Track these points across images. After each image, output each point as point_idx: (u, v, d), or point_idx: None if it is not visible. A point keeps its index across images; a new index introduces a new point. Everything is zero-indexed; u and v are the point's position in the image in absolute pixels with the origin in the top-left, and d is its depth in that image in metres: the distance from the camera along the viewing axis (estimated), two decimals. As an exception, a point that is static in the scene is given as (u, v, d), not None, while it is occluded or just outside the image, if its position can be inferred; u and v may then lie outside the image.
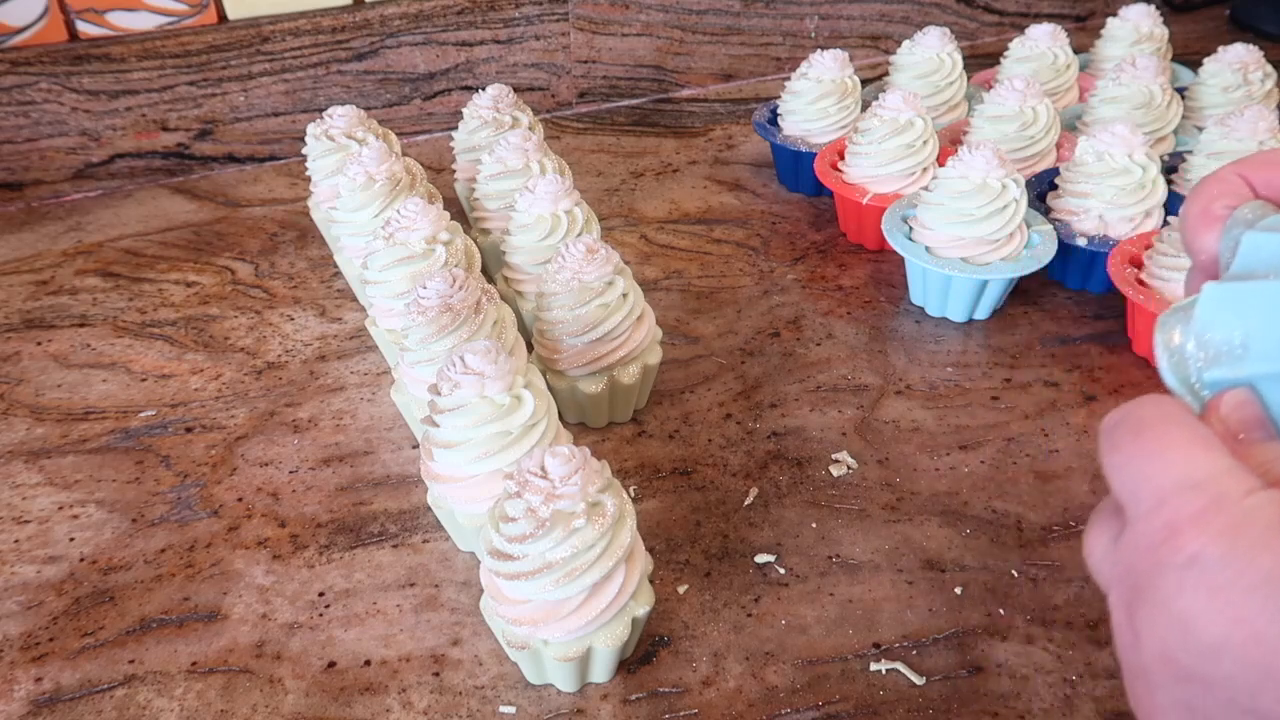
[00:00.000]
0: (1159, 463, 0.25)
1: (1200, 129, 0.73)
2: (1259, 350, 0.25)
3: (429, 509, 0.50)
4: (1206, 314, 0.25)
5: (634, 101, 0.94)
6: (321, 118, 0.66)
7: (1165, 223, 0.60)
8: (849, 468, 0.52)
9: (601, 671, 0.41)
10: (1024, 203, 0.60)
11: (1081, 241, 0.62)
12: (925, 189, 0.62)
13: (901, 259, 0.69)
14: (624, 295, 0.52)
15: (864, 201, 0.67)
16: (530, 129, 0.68)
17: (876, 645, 0.43)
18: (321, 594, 0.46)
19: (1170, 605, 0.23)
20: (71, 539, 0.50)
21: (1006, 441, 0.53)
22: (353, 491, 0.52)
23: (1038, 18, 1.05)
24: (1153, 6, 0.84)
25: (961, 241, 0.59)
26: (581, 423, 0.56)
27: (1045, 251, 0.60)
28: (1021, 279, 0.66)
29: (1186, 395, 0.26)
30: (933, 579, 0.46)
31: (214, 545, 0.49)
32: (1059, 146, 0.70)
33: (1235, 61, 0.74)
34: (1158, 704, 0.24)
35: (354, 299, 0.67)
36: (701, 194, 0.78)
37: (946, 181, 0.60)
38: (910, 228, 0.63)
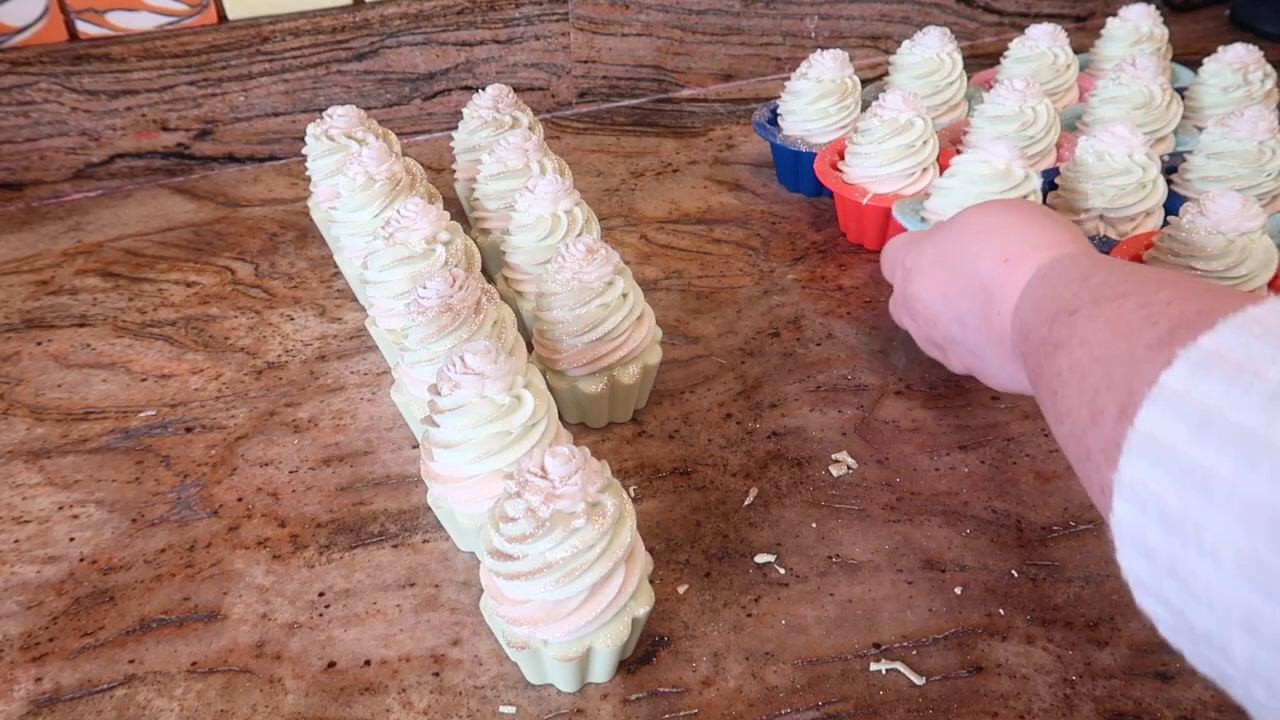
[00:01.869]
0: (889, 248, 0.56)
1: (1200, 129, 0.73)
2: None
3: (429, 509, 0.50)
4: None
5: (634, 101, 0.94)
6: (321, 118, 0.66)
7: (1165, 223, 0.60)
8: (849, 468, 0.52)
9: (601, 671, 0.41)
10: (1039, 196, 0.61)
11: (1081, 241, 0.62)
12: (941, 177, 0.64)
13: (901, 259, 0.69)
14: (624, 295, 0.52)
15: (864, 201, 0.67)
16: (530, 129, 0.68)
17: (876, 645, 0.43)
18: (321, 594, 0.46)
19: (915, 296, 0.50)
20: (71, 539, 0.50)
21: (1006, 441, 0.53)
22: (353, 491, 0.52)
23: (1038, 18, 1.05)
24: (1153, 6, 0.84)
25: None
26: (581, 423, 0.56)
27: None
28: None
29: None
30: (933, 579, 0.46)
31: (214, 545, 0.49)
32: (1059, 146, 0.70)
33: (1235, 61, 0.74)
34: (941, 352, 0.51)
35: (354, 299, 0.67)
36: (701, 194, 0.78)
37: (968, 166, 0.61)
38: (924, 220, 0.63)
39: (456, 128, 0.70)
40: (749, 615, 0.44)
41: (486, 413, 0.42)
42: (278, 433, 0.56)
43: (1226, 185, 0.63)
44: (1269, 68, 0.75)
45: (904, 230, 0.61)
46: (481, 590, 0.41)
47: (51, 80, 0.76)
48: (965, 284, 0.45)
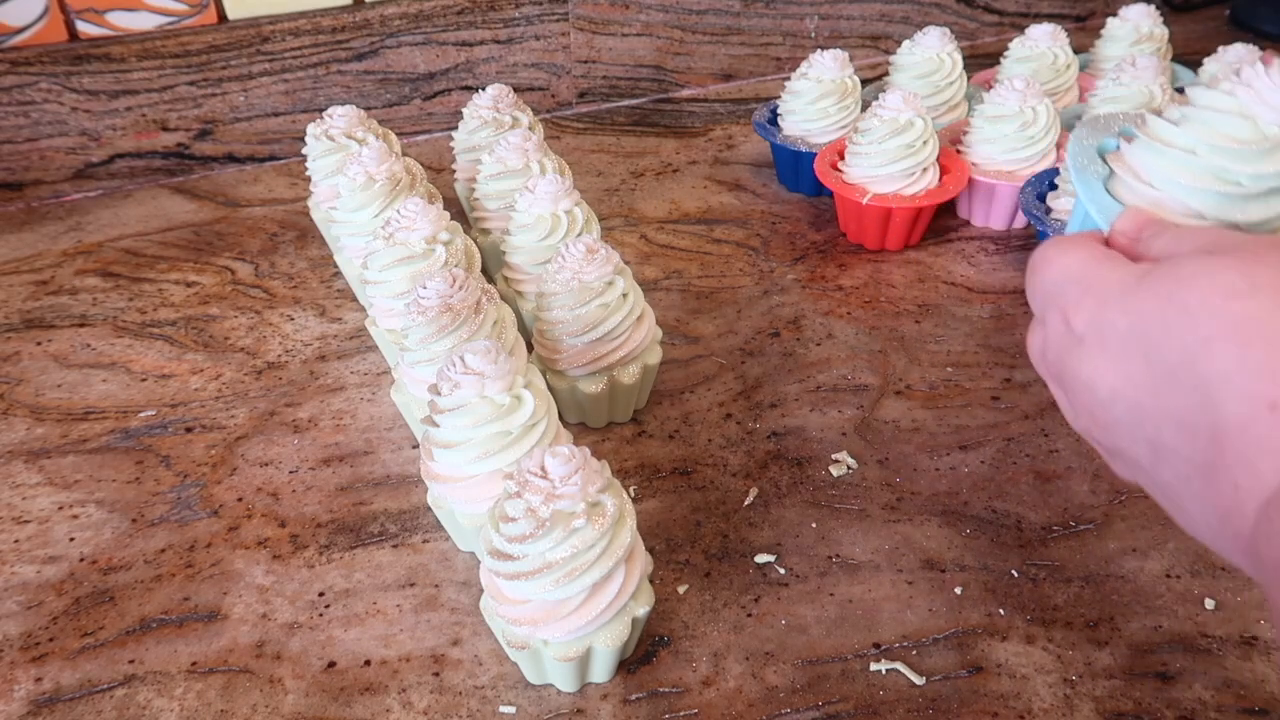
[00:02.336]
0: (1049, 273, 0.32)
1: (1200, 129, 0.73)
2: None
3: (429, 509, 0.50)
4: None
5: (634, 101, 0.94)
6: (321, 118, 0.66)
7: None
8: (849, 468, 0.52)
9: (601, 671, 0.41)
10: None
11: (1081, 241, 0.62)
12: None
13: (902, 259, 0.69)
14: (624, 295, 0.52)
15: (864, 201, 0.67)
16: (530, 129, 0.68)
17: (876, 645, 0.43)
18: (321, 594, 0.46)
19: (1078, 377, 0.30)
20: (71, 539, 0.50)
21: (1006, 441, 0.53)
22: (353, 491, 0.52)
23: (1038, 18, 1.05)
24: (1153, 6, 0.84)
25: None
26: (581, 423, 0.56)
27: None
28: (1022, 280, 0.67)
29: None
30: (933, 579, 0.46)
31: (214, 545, 0.49)
32: (1059, 146, 0.70)
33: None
34: (1104, 452, 0.32)
35: (354, 299, 0.67)
36: (701, 194, 0.78)
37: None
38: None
39: (456, 128, 0.70)
40: (749, 615, 0.44)
41: (486, 413, 0.42)
42: (278, 433, 0.56)
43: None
44: (1269, 68, 0.75)
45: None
46: (481, 590, 0.41)
47: (51, 80, 0.76)
48: (1180, 406, 0.27)
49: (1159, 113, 0.36)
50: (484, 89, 0.69)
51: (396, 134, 0.70)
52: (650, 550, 0.46)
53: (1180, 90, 0.76)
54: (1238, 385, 0.25)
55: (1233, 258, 0.27)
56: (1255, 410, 0.25)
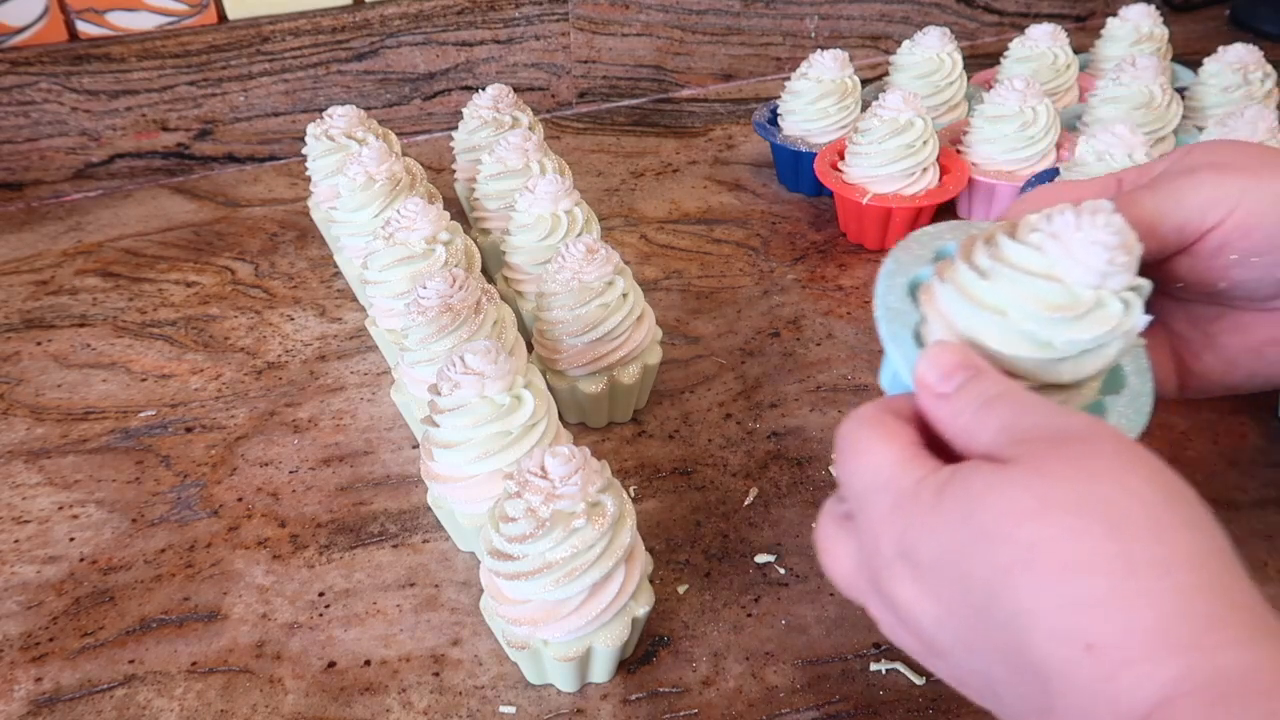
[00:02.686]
0: (857, 475, 0.29)
1: (1200, 129, 0.73)
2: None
3: (429, 509, 0.50)
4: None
5: (634, 101, 0.94)
6: (321, 118, 0.66)
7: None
8: (849, 468, 0.52)
9: (601, 671, 0.41)
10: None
11: (1081, 241, 0.62)
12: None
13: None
14: (624, 295, 0.52)
15: (864, 201, 0.67)
16: (530, 129, 0.68)
17: (876, 645, 0.43)
18: (321, 594, 0.46)
19: (896, 602, 0.27)
20: (71, 539, 0.50)
21: (1006, 441, 0.53)
22: (353, 491, 0.52)
23: (1038, 18, 1.05)
24: (1153, 6, 0.84)
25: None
26: (581, 423, 0.56)
27: None
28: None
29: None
30: (933, 579, 0.46)
31: (214, 545, 0.49)
32: (1059, 146, 0.70)
33: (1235, 61, 0.74)
34: (945, 679, 0.28)
35: (354, 299, 0.67)
36: (701, 194, 0.78)
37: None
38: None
39: (456, 128, 0.70)
40: (749, 615, 0.44)
41: (486, 413, 0.42)
42: (278, 433, 0.56)
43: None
44: (1269, 68, 0.75)
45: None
46: (481, 590, 0.41)
47: (51, 80, 0.76)
48: (1000, 643, 0.24)
49: (969, 254, 0.32)
50: (484, 89, 0.69)
51: (396, 134, 0.70)
52: (650, 550, 0.46)
53: (1181, 91, 0.76)
54: (1046, 624, 0.23)
55: (1021, 469, 0.25)
56: (1072, 653, 0.22)
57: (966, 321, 0.30)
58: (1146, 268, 0.32)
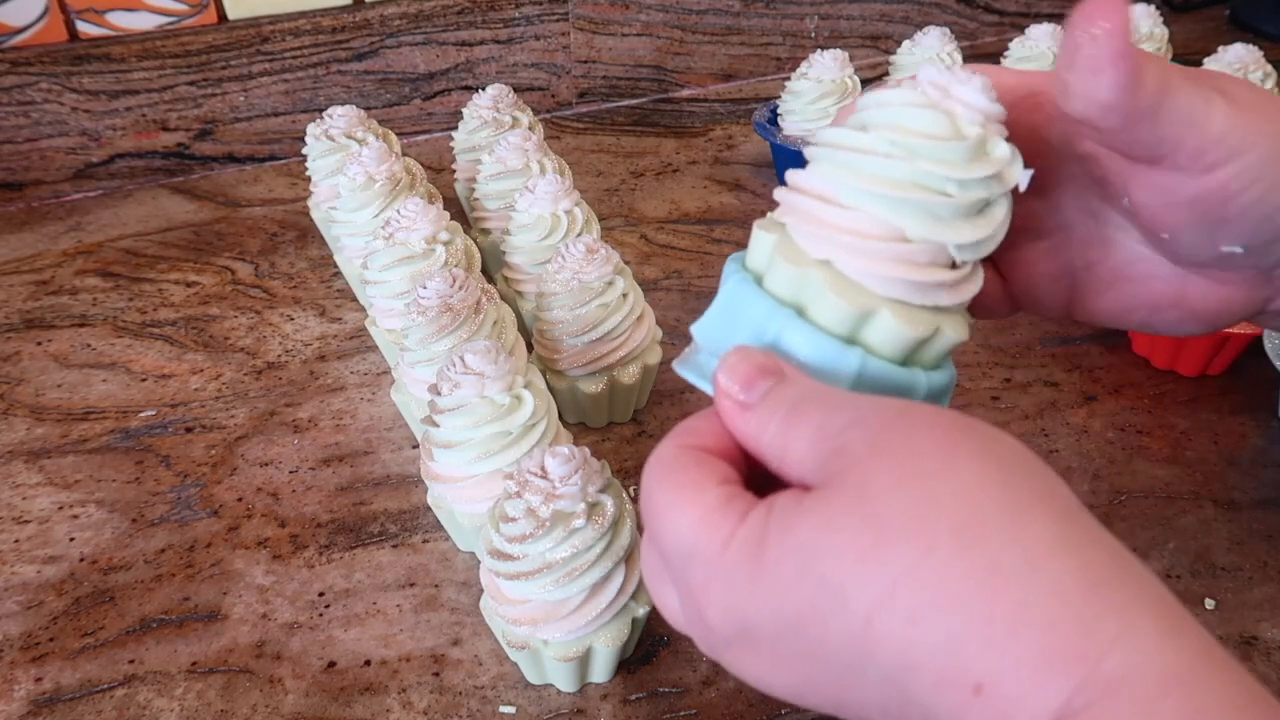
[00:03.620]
0: (664, 538, 0.25)
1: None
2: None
3: (429, 509, 0.50)
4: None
5: (634, 101, 0.94)
6: (321, 118, 0.67)
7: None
8: (849, 468, 0.52)
9: (601, 671, 0.41)
10: None
11: (1081, 241, 0.62)
12: None
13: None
14: (624, 295, 0.52)
15: (864, 201, 0.66)
16: (530, 129, 0.68)
17: (876, 645, 0.43)
18: (321, 594, 0.46)
19: (744, 674, 0.25)
20: (71, 539, 0.50)
21: (1006, 441, 0.53)
22: (353, 491, 0.52)
23: (1038, 18, 1.05)
24: (1153, 6, 0.84)
25: None
26: (581, 423, 0.56)
27: None
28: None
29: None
30: (933, 579, 0.46)
31: (214, 545, 0.49)
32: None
33: (1235, 61, 0.74)
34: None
35: (354, 299, 0.67)
36: (701, 194, 0.78)
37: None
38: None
39: (456, 128, 0.70)
40: (749, 615, 0.44)
41: (486, 413, 0.42)
42: (278, 433, 0.56)
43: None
44: (1269, 68, 0.75)
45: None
46: (481, 590, 0.41)
47: (51, 80, 0.76)
48: (880, 700, 0.22)
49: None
50: (484, 89, 0.69)
51: (396, 134, 0.70)
52: (650, 550, 0.46)
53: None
54: (928, 674, 0.20)
55: (845, 494, 0.22)
56: (961, 698, 0.20)
57: (848, 183, 0.26)
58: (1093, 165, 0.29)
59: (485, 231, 0.65)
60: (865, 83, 0.78)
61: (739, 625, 0.23)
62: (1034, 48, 0.79)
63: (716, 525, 0.24)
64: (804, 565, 0.22)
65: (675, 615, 0.26)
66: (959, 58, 0.78)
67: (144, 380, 0.60)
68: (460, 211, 0.74)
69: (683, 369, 0.31)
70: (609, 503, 0.38)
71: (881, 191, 0.26)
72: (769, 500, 0.24)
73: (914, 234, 0.26)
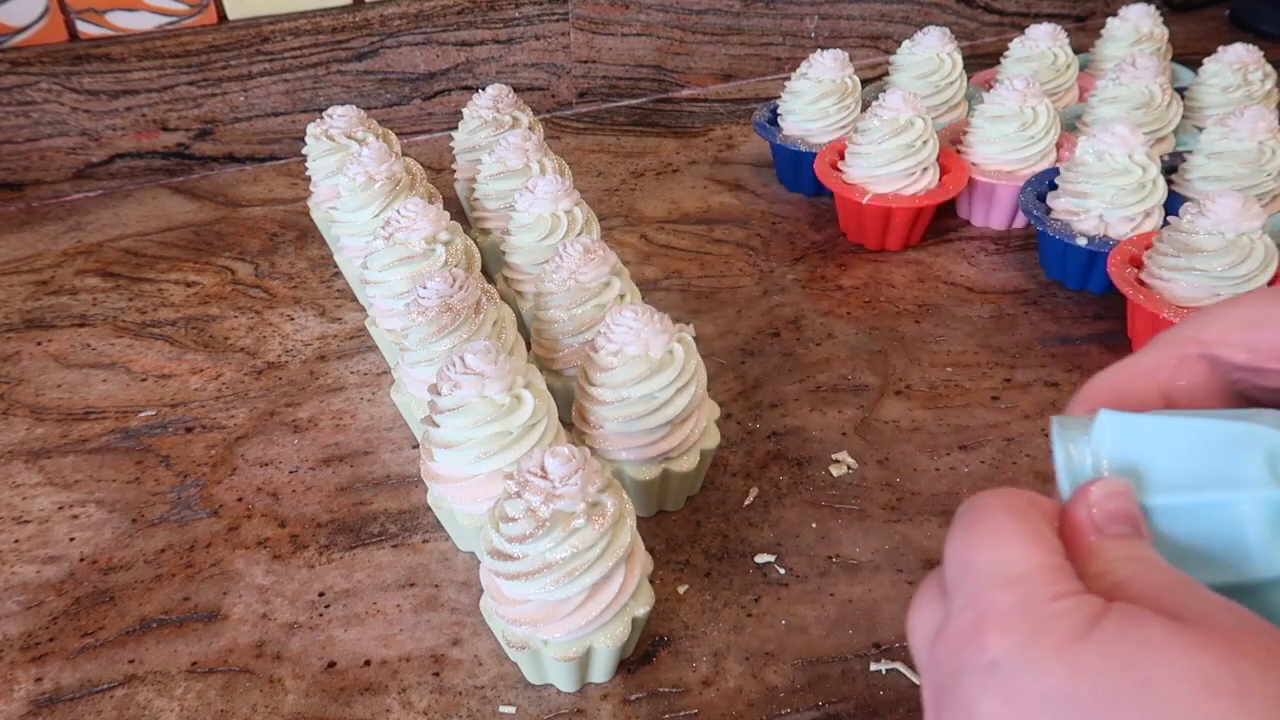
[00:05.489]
0: (981, 555, 0.24)
1: (1200, 129, 0.73)
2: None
3: (429, 509, 0.50)
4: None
5: (634, 101, 0.94)
6: (321, 118, 0.66)
7: (1165, 223, 0.60)
8: (849, 468, 0.52)
9: (601, 671, 0.41)
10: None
11: (1081, 241, 0.62)
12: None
13: (902, 259, 0.69)
14: (621, 296, 0.52)
15: (864, 201, 0.67)
16: (530, 129, 0.68)
17: (876, 645, 0.43)
18: (321, 594, 0.46)
19: (971, 709, 0.23)
20: (71, 539, 0.50)
21: (1006, 441, 0.53)
22: (353, 491, 0.52)
23: (1038, 18, 1.05)
24: (1153, 6, 0.84)
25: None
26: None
27: None
28: (1022, 280, 0.67)
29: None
30: (933, 579, 0.46)
31: (214, 545, 0.49)
32: (1059, 146, 0.70)
33: (1235, 61, 0.74)
34: None
35: (354, 299, 0.67)
36: (701, 194, 0.78)
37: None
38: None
39: (456, 128, 0.70)
40: (749, 615, 0.44)
41: (486, 413, 0.42)
42: (278, 433, 0.56)
43: (1226, 185, 0.63)
44: (1269, 68, 0.75)
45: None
46: (481, 590, 0.41)
47: (51, 80, 0.76)
48: None
49: None
50: (484, 89, 0.69)
51: (396, 134, 0.70)
52: (650, 550, 0.46)
53: (1181, 91, 0.76)
54: None
55: (1208, 635, 0.21)
56: None
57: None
58: None
59: (485, 231, 0.65)
60: (865, 82, 0.78)
61: (1019, 664, 0.22)
62: (1034, 48, 0.79)
63: (1056, 578, 0.23)
64: (1136, 661, 0.21)
65: (923, 633, 0.25)
66: (959, 58, 0.78)
67: (144, 380, 0.60)
68: (460, 211, 0.74)
69: (1059, 440, 0.27)
70: (609, 503, 0.38)
71: None
72: (1108, 600, 0.23)
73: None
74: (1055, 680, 0.21)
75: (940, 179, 0.68)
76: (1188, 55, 0.88)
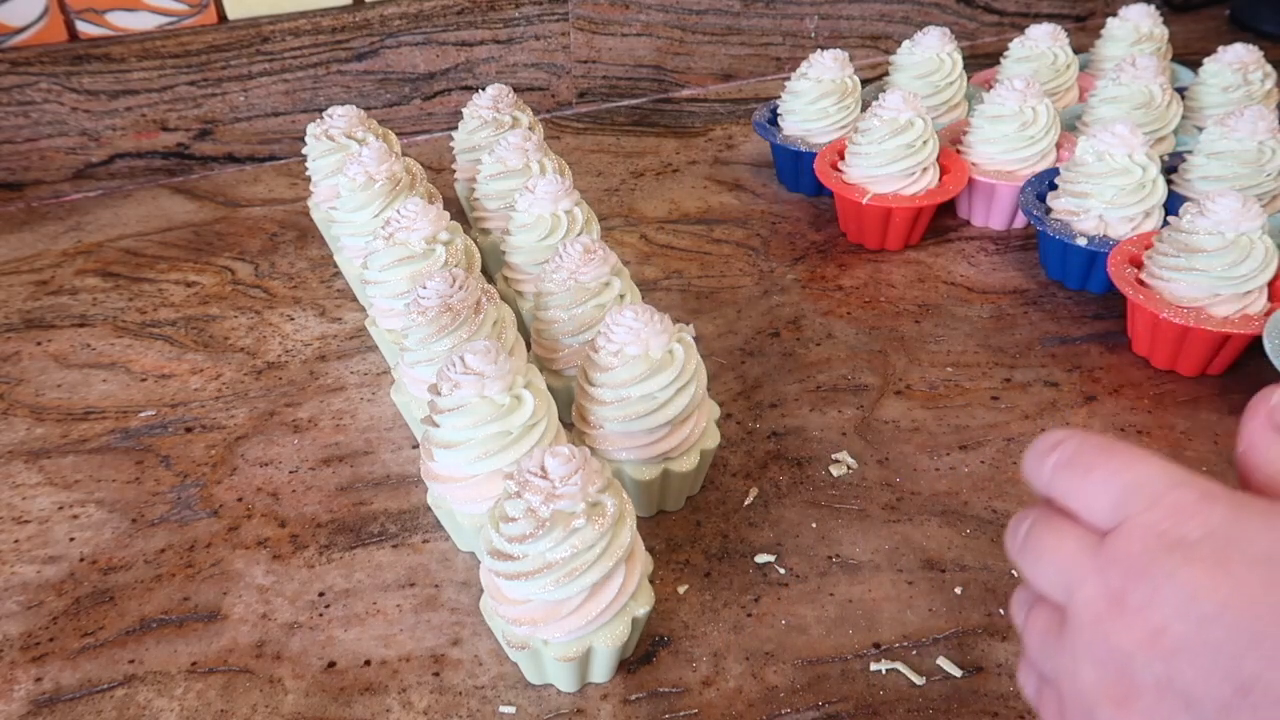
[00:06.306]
0: (1144, 468, 0.26)
1: (1200, 129, 0.73)
2: None
3: (429, 509, 0.50)
4: None
5: (634, 101, 0.94)
6: (321, 118, 0.67)
7: (1165, 223, 0.60)
8: (849, 468, 0.52)
9: (601, 671, 0.41)
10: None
11: (1081, 241, 0.62)
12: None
13: (902, 259, 0.69)
14: (621, 296, 0.52)
15: (864, 201, 0.67)
16: (530, 129, 0.68)
17: (876, 645, 0.43)
18: (321, 594, 0.46)
19: (1174, 578, 0.23)
20: (71, 539, 0.50)
21: (1006, 441, 0.53)
22: (353, 491, 0.52)
23: (1038, 18, 1.05)
24: (1153, 6, 0.84)
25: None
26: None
27: None
28: (1022, 280, 0.67)
29: None
30: (933, 579, 0.46)
31: (214, 545, 0.49)
32: (1059, 146, 0.70)
33: (1235, 61, 0.74)
34: (1137, 686, 0.24)
35: (354, 299, 0.67)
36: (701, 194, 0.78)
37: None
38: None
39: (456, 128, 0.70)
40: (749, 615, 0.44)
41: (486, 413, 0.42)
42: (278, 433, 0.56)
43: (1226, 185, 0.63)
44: (1269, 68, 0.75)
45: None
46: (481, 590, 0.41)
47: (51, 80, 0.76)
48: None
49: None
50: (484, 89, 0.69)
51: (396, 134, 0.70)
52: (650, 550, 0.46)
53: (1181, 91, 0.76)
54: None
55: None
56: None
57: None
58: None
59: (485, 231, 0.65)
60: (865, 82, 0.78)
61: (1223, 537, 0.23)
62: (1034, 48, 0.79)
63: (1204, 478, 0.25)
64: None
65: (1071, 555, 0.26)
66: (959, 58, 0.78)
67: (144, 380, 0.60)
68: (460, 211, 0.74)
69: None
70: (609, 503, 0.38)
71: None
72: None
73: None
74: (1264, 544, 0.23)
75: (940, 179, 0.68)
76: (1188, 55, 0.88)
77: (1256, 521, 0.23)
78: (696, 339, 0.47)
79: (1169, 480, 0.25)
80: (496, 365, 0.42)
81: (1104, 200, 0.61)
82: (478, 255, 0.57)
